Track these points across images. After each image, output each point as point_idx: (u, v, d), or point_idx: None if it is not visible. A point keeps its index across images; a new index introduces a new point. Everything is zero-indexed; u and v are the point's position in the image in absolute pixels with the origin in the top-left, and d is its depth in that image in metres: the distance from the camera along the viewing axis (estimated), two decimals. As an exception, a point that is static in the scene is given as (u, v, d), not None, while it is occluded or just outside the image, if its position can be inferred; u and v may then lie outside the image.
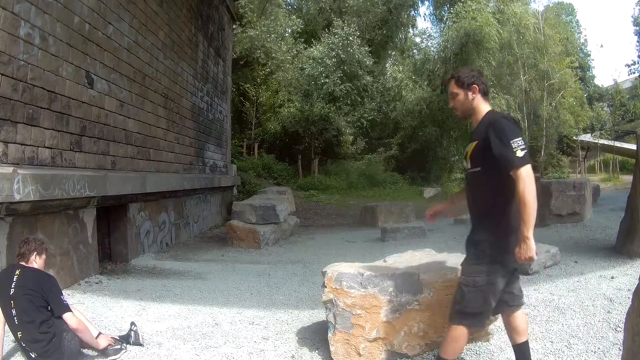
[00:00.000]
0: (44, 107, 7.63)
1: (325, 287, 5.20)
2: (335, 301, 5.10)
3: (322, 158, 35.64)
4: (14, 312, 4.84)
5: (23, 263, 5.16)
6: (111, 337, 5.47)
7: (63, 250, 8.03)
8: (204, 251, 13.03)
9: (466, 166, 4.28)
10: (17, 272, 4.99)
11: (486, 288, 4.01)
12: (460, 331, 4.10)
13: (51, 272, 7.58)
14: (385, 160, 39.13)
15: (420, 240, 13.04)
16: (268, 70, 37.10)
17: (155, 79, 12.30)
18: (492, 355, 5.11)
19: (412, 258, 6.00)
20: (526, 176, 3.73)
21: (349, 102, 37.28)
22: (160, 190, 12.06)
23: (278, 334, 6.13)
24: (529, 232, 3.70)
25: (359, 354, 5.01)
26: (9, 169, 6.49)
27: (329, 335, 5.16)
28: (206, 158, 17.13)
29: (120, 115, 10.34)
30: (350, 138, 37.65)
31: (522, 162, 3.74)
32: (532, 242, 3.71)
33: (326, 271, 5.31)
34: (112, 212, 10.39)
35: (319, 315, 6.64)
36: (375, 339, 5.01)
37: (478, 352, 5.15)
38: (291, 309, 7.24)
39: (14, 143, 6.91)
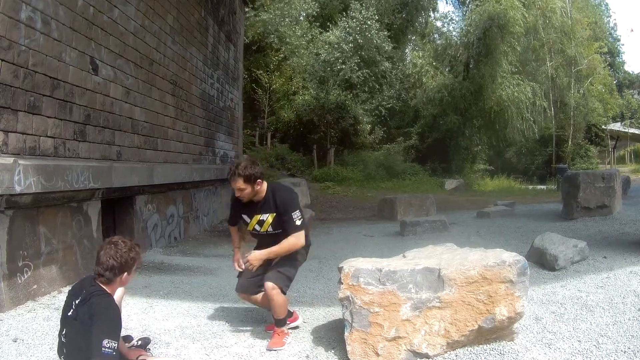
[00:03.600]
0: (46, 95, 7.61)
1: (342, 283, 5.20)
2: (352, 298, 5.09)
3: (339, 148, 35.59)
4: (63, 339, 4.29)
5: (99, 282, 4.33)
6: (138, 350, 5.27)
7: (66, 244, 8.02)
8: (214, 246, 13.07)
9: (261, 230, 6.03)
10: (84, 294, 4.26)
11: None
12: None
13: (53, 268, 7.63)
14: (405, 151, 39.11)
15: (441, 234, 12.98)
16: (282, 55, 37.06)
17: (163, 64, 12.27)
18: (517, 355, 5.05)
19: (433, 253, 5.96)
20: None
21: (366, 89, 37.15)
22: (168, 181, 12.08)
23: (292, 333, 6.08)
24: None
25: (377, 354, 4.98)
26: (9, 160, 6.49)
27: (346, 334, 5.14)
28: (216, 148, 17.14)
29: (126, 103, 10.32)
30: (368, 127, 37.59)
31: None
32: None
33: (342, 267, 5.30)
34: (117, 205, 10.38)
35: (335, 313, 6.61)
36: (394, 338, 4.98)
37: (502, 352, 5.09)
38: (306, 307, 7.21)
39: (14, 132, 6.89)
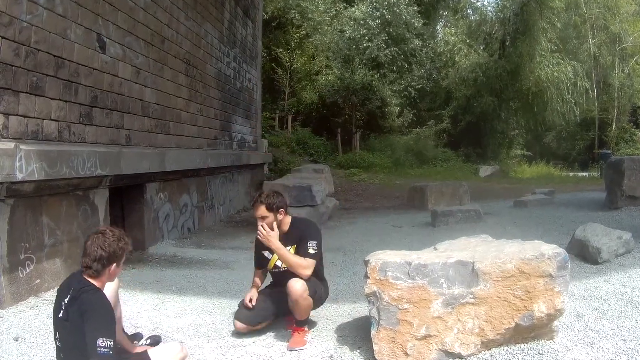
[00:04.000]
0: (50, 75, 7.59)
1: (368, 277, 5.20)
2: (379, 294, 5.09)
3: (365, 132, 35.56)
4: (58, 344, 4.30)
5: (87, 277, 4.30)
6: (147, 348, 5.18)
7: (71, 236, 8.01)
8: (230, 237, 13.06)
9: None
10: (72, 291, 4.22)
11: None
12: None
13: (57, 261, 7.63)
14: (436, 135, 39.04)
15: (475, 225, 12.96)
16: (303, 32, 36.89)
17: (175, 42, 12.23)
18: (557, 354, 5.00)
19: (467, 245, 5.95)
20: None
21: (394, 68, 37.00)
22: (181, 168, 12.05)
23: (315, 331, 6.11)
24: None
25: (406, 354, 4.96)
26: (10, 145, 6.45)
27: (372, 332, 5.14)
28: (233, 132, 17.13)
29: (135, 83, 10.30)
30: (397, 109, 37.49)
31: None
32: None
33: (369, 260, 5.28)
34: (126, 194, 10.40)
35: (361, 309, 6.60)
36: (424, 337, 4.96)
37: (541, 352, 5.03)
38: (329, 303, 7.03)
39: (15, 115, 6.87)
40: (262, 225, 5.88)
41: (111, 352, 3.97)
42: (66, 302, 4.18)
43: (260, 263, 6.29)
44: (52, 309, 6.49)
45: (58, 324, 4.25)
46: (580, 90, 38.24)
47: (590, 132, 44.63)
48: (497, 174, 33.34)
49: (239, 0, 17.78)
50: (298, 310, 5.72)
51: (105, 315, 4.14)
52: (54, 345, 4.38)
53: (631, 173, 13.15)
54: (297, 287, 5.56)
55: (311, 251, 5.82)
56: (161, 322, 6.46)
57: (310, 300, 5.79)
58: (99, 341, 3.93)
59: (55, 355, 4.46)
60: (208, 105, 14.63)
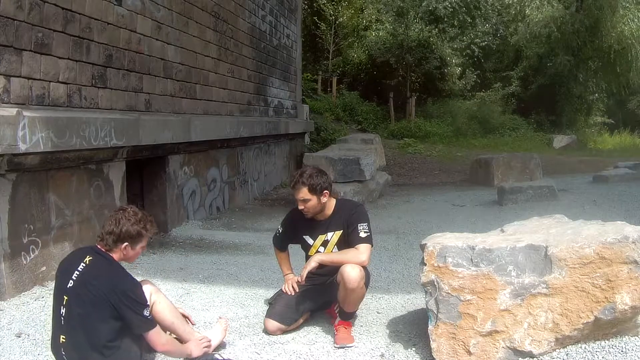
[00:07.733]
0: (58, 30, 7.52)
1: (425, 264, 5.16)
2: (437, 283, 5.05)
3: (421, 96, 35.57)
4: (63, 311, 4.47)
5: (101, 247, 4.64)
6: (205, 340, 5.15)
7: (83, 216, 8.01)
8: (266, 218, 13.09)
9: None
10: (87, 259, 4.54)
11: None
12: None
13: (66, 245, 7.64)
14: (503, 100, 38.87)
15: (548, 203, 13.08)
16: (351, -19, 36.88)
17: (202, -8, 12.18)
18: (644, 352, 4.89)
19: (538, 227, 5.86)
20: None
21: (455, 23, 36.94)
22: (209, 138, 12.06)
23: (363, 326, 6.09)
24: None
25: (469, 352, 4.90)
26: (12, 111, 6.40)
27: (430, 327, 5.11)
28: (269, 96, 17.16)
29: (157, 40, 10.26)
30: (458, 70, 37.50)
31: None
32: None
33: (426, 244, 5.24)
34: (146, 167, 10.44)
35: (417, 301, 6.60)
36: (489, 333, 4.90)
37: (624, 350, 4.85)
38: (380, 294, 7.17)
39: (18, 77, 6.82)
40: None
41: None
42: (80, 269, 4.48)
43: (286, 246, 6.47)
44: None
45: (68, 291, 4.47)
46: (671, 47, 37.69)
47: (683, 96, 44.05)
48: (573, 145, 33.19)
49: (275, -57, 17.73)
50: (351, 301, 5.70)
51: (134, 285, 4.60)
52: (53, 326, 4.61)
53: None
54: (354, 274, 5.48)
55: (363, 234, 5.77)
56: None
57: (365, 290, 5.82)
58: (145, 312, 4.47)
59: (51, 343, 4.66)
60: (240, 66, 14.61)
